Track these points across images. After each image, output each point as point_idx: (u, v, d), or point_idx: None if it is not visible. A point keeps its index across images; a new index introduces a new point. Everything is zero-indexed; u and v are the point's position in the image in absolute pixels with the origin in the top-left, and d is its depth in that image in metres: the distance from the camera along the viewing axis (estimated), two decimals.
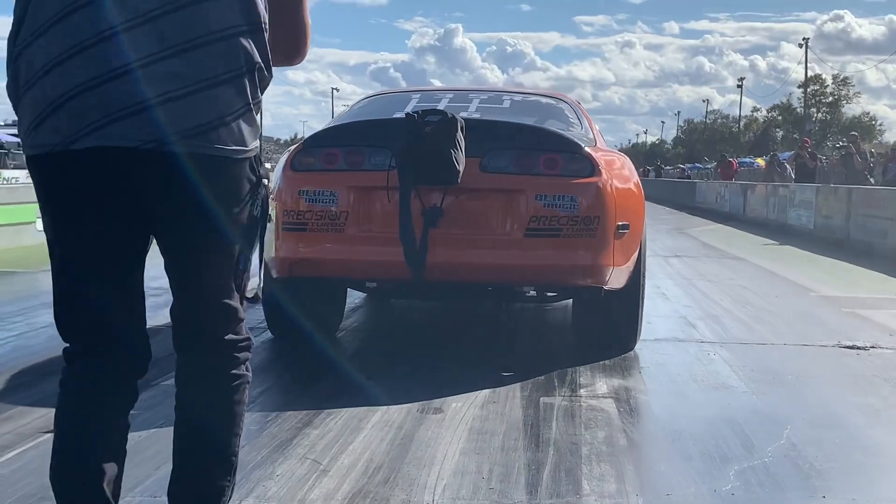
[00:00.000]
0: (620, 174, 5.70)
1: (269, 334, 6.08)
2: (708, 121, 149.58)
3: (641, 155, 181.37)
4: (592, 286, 5.41)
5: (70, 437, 2.18)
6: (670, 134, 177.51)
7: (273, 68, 2.21)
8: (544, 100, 6.77)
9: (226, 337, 2.23)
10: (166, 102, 1.97)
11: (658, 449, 3.92)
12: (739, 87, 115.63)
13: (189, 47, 1.99)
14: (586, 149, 5.39)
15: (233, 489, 2.29)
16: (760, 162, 76.82)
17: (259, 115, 2.15)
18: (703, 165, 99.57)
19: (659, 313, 7.67)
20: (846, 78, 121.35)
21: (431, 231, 5.08)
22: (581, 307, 6.04)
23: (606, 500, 3.27)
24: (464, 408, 4.46)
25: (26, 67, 2.01)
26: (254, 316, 6.17)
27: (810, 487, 3.47)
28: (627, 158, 6.28)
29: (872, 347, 6.21)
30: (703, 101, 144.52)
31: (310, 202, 5.27)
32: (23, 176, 34.04)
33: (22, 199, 12.48)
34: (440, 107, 5.90)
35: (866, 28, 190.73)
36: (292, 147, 5.62)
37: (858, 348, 6.17)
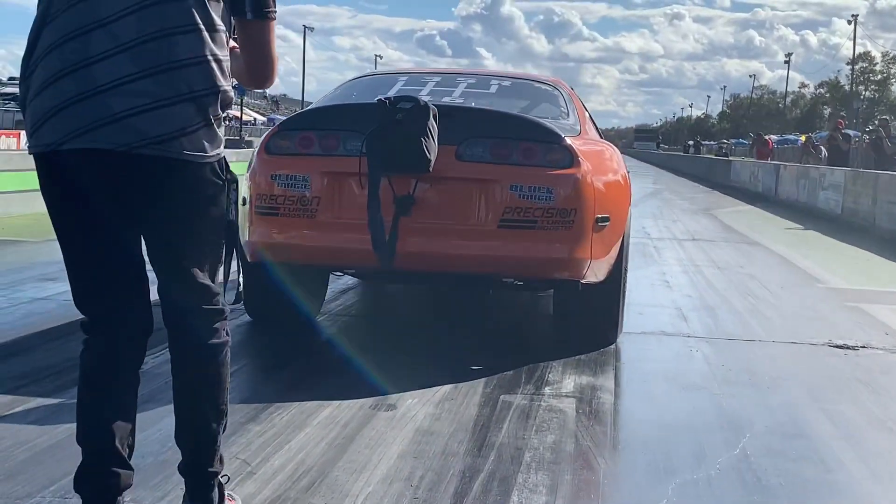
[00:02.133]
0: (604, 165, 5.60)
1: (245, 316, 6.03)
2: (754, 96, 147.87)
3: (686, 129, 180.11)
4: (569, 279, 5.29)
5: (93, 392, 2.65)
6: (716, 108, 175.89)
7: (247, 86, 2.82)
8: (535, 85, 6.61)
9: (203, 307, 2.68)
10: (139, 114, 2.44)
11: (604, 457, 3.80)
12: (787, 63, 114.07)
13: (159, 70, 2.45)
14: (566, 139, 5.25)
15: (224, 428, 2.81)
16: (804, 139, 76.16)
17: (221, 127, 2.60)
18: (747, 141, 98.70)
19: (655, 302, 7.54)
20: None
21: (402, 219, 5.01)
22: (560, 298, 5.84)
23: None
24: (417, 405, 4.36)
25: (33, 85, 2.52)
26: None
27: None
28: (616, 150, 6.19)
29: (863, 347, 6.04)
30: (751, 76, 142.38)
31: (282, 186, 5.20)
32: None
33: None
34: (424, 91, 5.87)
35: None
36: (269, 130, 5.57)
37: (848, 348, 6.00)
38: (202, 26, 2.52)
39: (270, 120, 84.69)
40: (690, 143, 69.66)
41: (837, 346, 6.03)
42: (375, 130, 4.96)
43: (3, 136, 31.42)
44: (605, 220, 5.28)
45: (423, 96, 5.44)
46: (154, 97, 2.45)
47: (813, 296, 8.22)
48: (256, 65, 2.73)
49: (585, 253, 5.18)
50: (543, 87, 6.57)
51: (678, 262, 10.22)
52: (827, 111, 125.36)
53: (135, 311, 2.68)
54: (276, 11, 2.67)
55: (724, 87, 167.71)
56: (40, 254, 8.85)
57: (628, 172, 6.20)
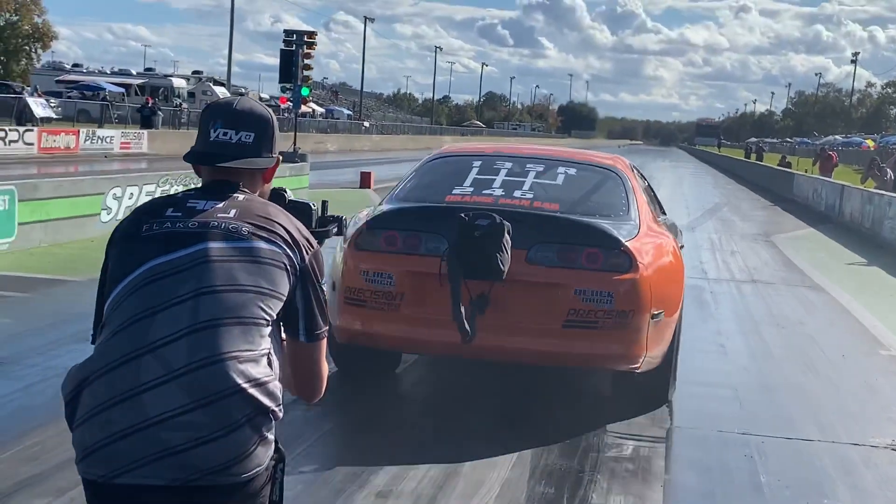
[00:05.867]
0: (661, 260, 6.00)
1: None
2: (820, 94, 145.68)
3: (749, 125, 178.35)
4: (627, 368, 5.81)
5: None
6: (780, 104, 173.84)
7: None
8: (597, 170, 6.84)
9: None
10: (193, 448, 2.32)
11: None
12: (854, 61, 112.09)
13: (211, 401, 2.33)
14: (626, 243, 5.65)
15: None
16: (870, 143, 74.68)
17: (271, 434, 2.46)
18: (812, 140, 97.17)
19: (710, 379, 7.27)
20: None
21: (478, 317, 5.49)
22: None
23: None
24: None
25: (81, 406, 2.40)
26: None
27: None
28: (670, 235, 6.48)
29: None
30: (816, 74, 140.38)
31: (369, 282, 5.75)
32: (118, 136, 34.42)
33: (86, 192, 12.49)
34: (497, 183, 6.30)
35: None
36: (356, 226, 6.00)
37: None
38: (250, 352, 2.42)
39: (329, 111, 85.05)
40: (752, 145, 68.42)
41: None
42: (456, 243, 5.52)
43: (63, 134, 31.47)
44: (660, 314, 5.71)
45: (497, 192, 6.11)
46: (208, 429, 2.35)
47: (877, 368, 7.91)
48: (305, 381, 2.65)
49: (641, 349, 5.65)
50: (605, 173, 6.79)
51: (735, 317, 9.94)
52: (894, 112, 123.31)
53: None
54: (326, 330, 2.60)
55: (790, 83, 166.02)
56: (85, 300, 8.75)
57: (681, 247, 6.66)
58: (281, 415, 2.46)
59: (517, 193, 6.12)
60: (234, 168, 2.58)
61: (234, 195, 2.55)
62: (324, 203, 3.07)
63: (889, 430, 6.14)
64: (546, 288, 5.55)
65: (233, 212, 2.51)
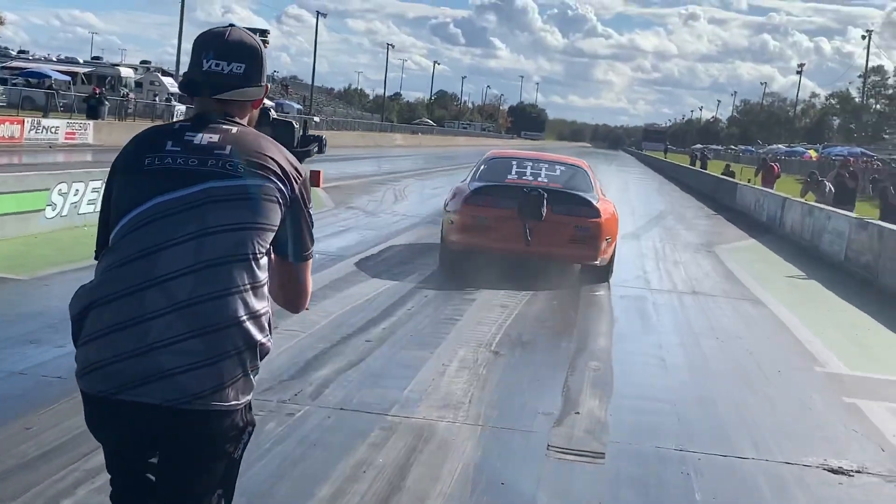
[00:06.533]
0: (609, 214, 12.15)
1: None
2: (765, 102, 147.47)
3: (695, 131, 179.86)
4: (595, 263, 11.85)
5: None
6: (726, 112, 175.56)
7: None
8: (574, 167, 13.28)
9: None
10: (185, 372, 2.60)
11: None
12: (799, 72, 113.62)
13: (208, 331, 2.62)
14: (595, 204, 11.91)
15: None
16: (813, 153, 75.78)
17: (255, 375, 2.76)
18: (756, 149, 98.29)
19: (651, 395, 7.38)
20: None
21: (532, 236, 11.58)
22: (587, 267, 12.21)
23: None
24: None
25: (86, 328, 2.68)
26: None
27: None
28: (611, 202, 12.83)
29: (858, 472, 5.90)
30: (762, 83, 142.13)
31: (474, 220, 11.89)
32: (63, 126, 33.95)
33: (31, 187, 12.36)
34: (528, 173, 12.52)
35: None
36: (463, 193, 12.29)
37: (843, 473, 5.86)
38: (249, 286, 2.70)
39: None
40: (697, 152, 69.06)
41: (832, 471, 5.88)
42: (522, 202, 11.70)
43: (8, 123, 31.01)
44: (609, 239, 11.88)
45: (529, 178, 12.38)
46: (202, 356, 2.62)
47: (811, 386, 8.07)
48: (292, 296, 2.93)
49: (600, 254, 11.71)
50: (578, 168, 13.29)
51: (676, 329, 10.10)
52: (836, 122, 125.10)
53: None
54: (312, 251, 2.89)
55: (736, 92, 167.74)
56: (28, 300, 8.71)
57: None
58: (270, 346, 2.76)
59: (540, 178, 12.39)
60: (227, 98, 2.79)
61: (228, 127, 2.77)
62: (305, 122, 3.25)
63: (821, 449, 6.28)
64: (561, 224, 11.66)
65: (228, 147, 2.72)
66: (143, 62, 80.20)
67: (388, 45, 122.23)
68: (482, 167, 13.05)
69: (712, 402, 7.32)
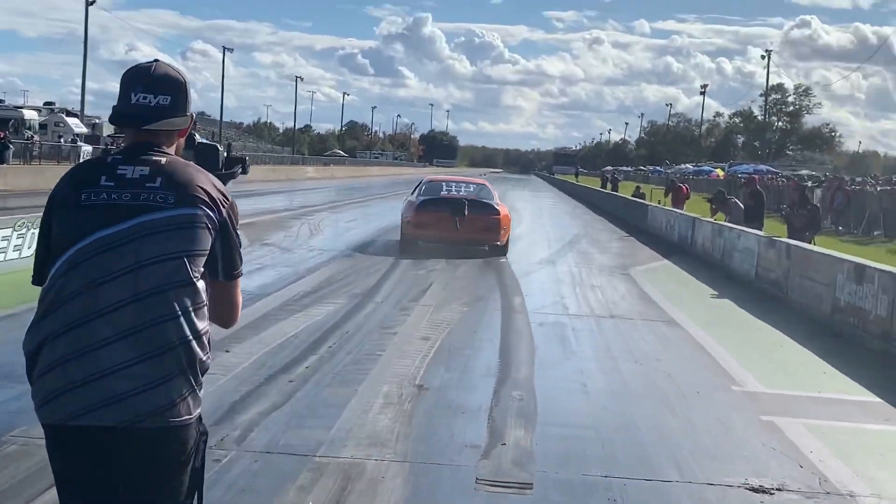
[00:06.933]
0: (505, 213, 19.68)
1: None
2: (671, 123, 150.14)
3: (605, 153, 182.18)
4: (497, 244, 19.10)
5: None
6: (634, 133, 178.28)
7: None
8: (481, 184, 21.39)
9: None
10: (137, 394, 2.79)
11: None
12: (703, 93, 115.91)
13: (153, 355, 2.81)
14: (497, 207, 19.56)
15: None
16: (720, 172, 77.19)
17: (200, 390, 2.96)
18: (664, 169, 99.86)
19: (573, 421, 7.49)
20: (808, 88, 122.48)
21: (459, 226, 18.73)
22: (491, 248, 19.11)
23: None
24: None
25: (40, 363, 2.85)
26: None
27: None
28: (505, 206, 20.36)
29: (779, 490, 6.05)
30: (667, 104, 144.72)
31: (422, 219, 19.15)
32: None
33: None
34: (453, 190, 20.03)
35: (833, 35, 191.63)
36: (414, 204, 19.53)
37: (764, 491, 6.01)
38: (191, 309, 2.89)
39: None
40: (608, 174, 69.99)
41: (753, 490, 6.02)
42: (453, 207, 18.90)
43: None
44: (506, 228, 19.47)
45: (463, 193, 19.89)
46: (152, 377, 2.81)
47: (730, 404, 8.25)
48: (224, 313, 3.11)
49: (501, 237, 19.24)
50: (484, 184, 21.50)
51: (595, 354, 10.25)
52: (741, 140, 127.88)
53: None
54: (242, 270, 3.09)
55: (643, 114, 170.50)
56: None
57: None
58: (209, 363, 2.96)
59: (461, 193, 19.84)
60: (155, 129, 2.98)
61: (157, 159, 2.95)
62: (228, 145, 3.42)
63: (742, 469, 6.43)
64: (476, 219, 18.83)
65: (158, 180, 2.90)
66: (46, 103, 78.62)
67: (296, 77, 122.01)
68: (423, 187, 20.75)
69: (635, 426, 7.45)
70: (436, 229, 18.89)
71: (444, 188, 20.31)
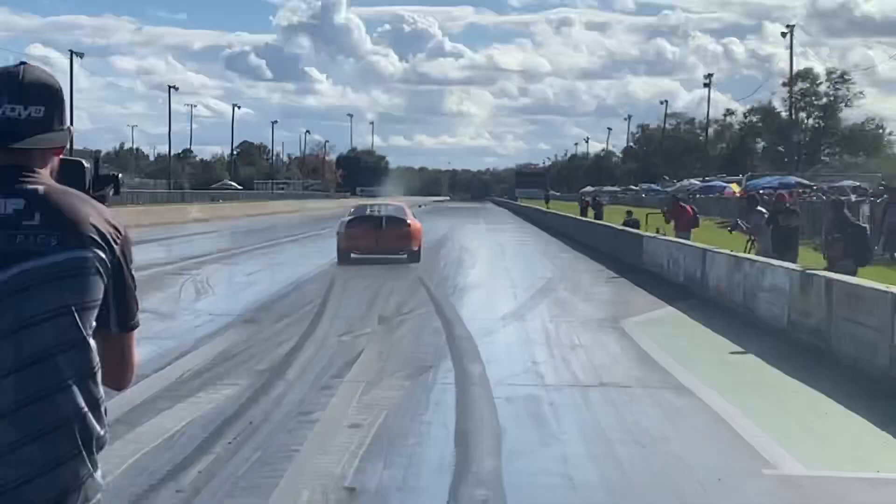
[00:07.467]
0: (417, 227, 35.31)
1: None
2: (668, 126, 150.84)
3: (582, 171, 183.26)
4: (411, 251, 34.27)
5: None
6: (620, 142, 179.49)
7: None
8: (398, 205, 38.87)
9: None
10: (26, 483, 2.84)
11: None
12: (707, 84, 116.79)
13: (44, 433, 2.86)
14: (408, 220, 35.29)
15: None
16: (735, 188, 77.38)
17: (98, 472, 3.01)
18: (663, 187, 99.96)
19: None
20: (844, 73, 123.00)
21: (380, 238, 34.11)
22: (405, 255, 33.95)
23: None
24: None
25: None
26: None
27: None
28: (417, 219, 36.61)
29: None
30: (661, 101, 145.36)
31: (353, 232, 34.48)
32: None
33: None
34: (376, 210, 36.51)
35: (875, 1, 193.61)
36: (345, 222, 34.86)
37: None
38: (85, 373, 2.95)
39: None
40: (588, 197, 70.48)
41: None
42: (376, 223, 34.84)
43: None
44: (417, 238, 35.05)
45: (382, 212, 35.81)
46: (40, 462, 2.86)
47: (760, 494, 8.32)
48: (116, 371, 3.14)
49: (415, 244, 34.68)
50: (401, 205, 39.01)
51: (583, 436, 10.30)
52: (760, 145, 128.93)
53: None
54: (139, 319, 3.15)
55: (630, 116, 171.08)
56: None
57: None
58: (107, 439, 3.01)
59: (382, 212, 35.81)
60: (28, 147, 3.00)
61: (32, 187, 2.97)
62: (96, 161, 3.42)
63: None
64: (392, 231, 34.08)
65: (37, 216, 2.93)
66: None
67: (169, 87, 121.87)
68: (352, 210, 36.02)
69: None
70: (362, 239, 33.44)
71: (369, 209, 36.22)
